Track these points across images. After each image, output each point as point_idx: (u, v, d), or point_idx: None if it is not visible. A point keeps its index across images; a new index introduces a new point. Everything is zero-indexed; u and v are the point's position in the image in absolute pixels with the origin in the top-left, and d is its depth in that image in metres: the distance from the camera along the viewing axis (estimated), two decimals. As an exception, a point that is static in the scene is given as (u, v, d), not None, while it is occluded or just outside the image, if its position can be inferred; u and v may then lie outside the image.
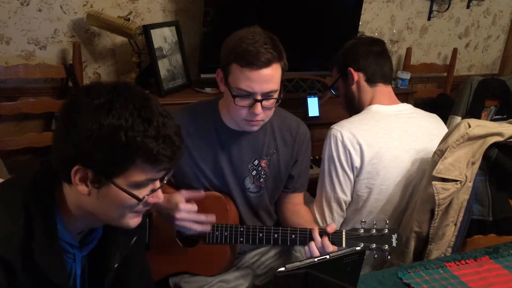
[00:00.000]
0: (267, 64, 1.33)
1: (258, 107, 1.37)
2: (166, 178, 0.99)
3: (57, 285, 0.95)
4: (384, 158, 1.56)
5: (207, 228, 1.43)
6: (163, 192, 1.07)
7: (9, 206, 0.94)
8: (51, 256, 0.94)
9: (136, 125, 0.88)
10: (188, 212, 1.40)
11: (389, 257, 1.38)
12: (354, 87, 1.71)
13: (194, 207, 1.40)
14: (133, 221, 1.00)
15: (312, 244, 1.37)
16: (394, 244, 1.37)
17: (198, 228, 1.42)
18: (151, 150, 0.89)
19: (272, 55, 1.33)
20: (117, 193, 0.92)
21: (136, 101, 0.90)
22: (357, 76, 1.69)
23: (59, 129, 0.92)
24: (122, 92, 0.91)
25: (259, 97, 1.36)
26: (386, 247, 1.36)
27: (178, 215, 1.39)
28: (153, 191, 0.97)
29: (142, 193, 0.95)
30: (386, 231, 1.37)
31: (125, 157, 0.89)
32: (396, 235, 1.38)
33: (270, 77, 1.34)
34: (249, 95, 1.36)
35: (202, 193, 1.44)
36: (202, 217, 1.42)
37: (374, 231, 1.37)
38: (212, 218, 1.43)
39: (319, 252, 1.37)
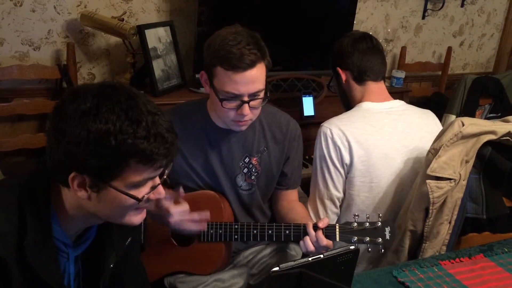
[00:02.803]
0: (251, 65, 1.32)
1: (246, 108, 1.37)
2: (166, 173, 0.98)
3: (50, 284, 0.95)
4: (374, 156, 1.57)
5: (203, 226, 1.43)
6: None
7: (3, 205, 0.93)
8: (45, 254, 0.94)
9: (125, 128, 0.87)
10: (181, 214, 1.39)
11: (383, 250, 1.38)
12: (345, 85, 1.72)
13: (185, 207, 1.39)
14: (137, 218, 1.00)
15: (307, 238, 1.37)
16: (387, 237, 1.37)
17: (193, 227, 1.42)
18: (143, 150, 0.88)
19: (256, 55, 1.33)
20: (117, 195, 0.92)
21: (123, 102, 0.89)
22: (345, 75, 1.69)
23: (50, 138, 0.92)
24: (108, 94, 0.89)
25: (246, 98, 1.36)
26: (380, 240, 1.36)
27: (172, 219, 1.39)
28: (154, 188, 0.97)
29: (141, 192, 0.95)
30: (379, 224, 1.37)
31: (118, 161, 0.88)
32: (389, 227, 1.38)
33: (255, 77, 1.35)
34: (236, 97, 1.36)
35: (181, 191, 1.40)
36: (195, 215, 1.41)
37: (367, 224, 1.38)
38: (206, 215, 1.42)
39: (314, 246, 1.37)
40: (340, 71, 1.70)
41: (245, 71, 1.32)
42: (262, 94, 1.40)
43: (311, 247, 1.37)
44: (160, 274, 1.56)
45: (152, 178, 0.96)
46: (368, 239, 1.36)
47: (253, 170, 1.55)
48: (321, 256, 0.96)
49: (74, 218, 0.99)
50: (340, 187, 1.60)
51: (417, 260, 1.44)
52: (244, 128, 1.46)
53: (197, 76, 2.32)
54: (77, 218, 0.99)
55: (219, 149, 1.52)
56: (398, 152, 1.59)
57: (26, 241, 0.91)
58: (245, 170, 1.54)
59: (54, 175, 0.95)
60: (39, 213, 0.94)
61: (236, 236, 1.47)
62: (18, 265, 0.91)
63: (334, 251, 0.98)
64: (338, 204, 1.63)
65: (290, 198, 1.65)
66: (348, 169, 1.58)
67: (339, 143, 1.55)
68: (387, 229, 1.37)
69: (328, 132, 1.57)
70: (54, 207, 0.98)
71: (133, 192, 0.93)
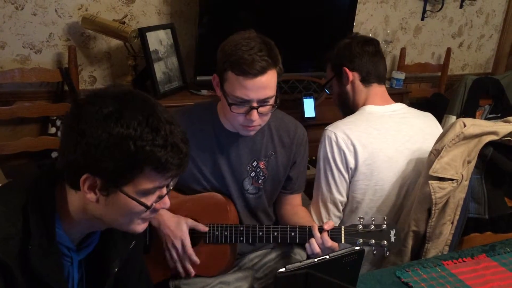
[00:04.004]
0: (262, 72, 1.33)
1: (254, 114, 1.38)
2: (172, 184, 0.99)
3: None
4: (378, 159, 1.57)
5: (182, 272, 1.50)
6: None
7: (9, 209, 0.94)
8: (49, 258, 0.94)
9: (145, 134, 0.88)
10: (183, 249, 1.46)
11: (388, 253, 1.39)
12: (348, 87, 1.70)
13: (193, 253, 1.47)
14: (141, 226, 1.01)
15: (313, 240, 1.38)
16: (392, 240, 1.38)
17: (178, 267, 1.49)
18: (159, 158, 0.90)
19: (267, 62, 1.33)
20: (126, 200, 0.93)
21: (144, 109, 0.90)
22: (352, 75, 1.68)
23: (67, 139, 0.92)
24: (129, 100, 0.91)
25: (255, 104, 1.37)
26: (385, 242, 1.37)
27: (177, 244, 1.46)
28: (160, 197, 0.98)
29: (150, 200, 0.95)
30: (385, 226, 1.38)
31: (134, 166, 0.90)
32: (394, 230, 1.38)
33: (265, 84, 1.35)
34: (245, 102, 1.37)
35: (206, 229, 1.49)
36: (188, 264, 1.48)
37: (372, 227, 1.38)
38: (192, 272, 1.49)
39: (320, 248, 1.38)
40: (347, 71, 1.68)
41: (255, 77, 1.33)
42: (272, 101, 1.40)
43: (316, 249, 1.37)
44: (165, 276, 1.56)
45: (162, 187, 0.97)
46: (373, 241, 1.37)
47: (260, 174, 1.55)
48: (327, 257, 0.97)
49: (78, 222, 0.99)
50: (343, 191, 1.60)
51: (420, 260, 1.45)
52: (252, 133, 1.47)
53: (198, 78, 2.36)
54: (80, 222, 1.00)
55: (228, 153, 1.52)
56: (402, 155, 1.60)
57: (30, 245, 0.91)
58: (253, 174, 1.55)
59: (65, 176, 0.95)
60: (44, 217, 0.95)
61: (241, 238, 1.47)
62: (22, 270, 0.91)
63: (339, 252, 0.99)
64: (341, 208, 1.63)
65: (294, 202, 1.66)
66: (353, 173, 1.58)
67: (344, 147, 1.55)
68: (392, 232, 1.38)
69: (333, 136, 1.57)
70: (58, 212, 0.98)
71: (142, 199, 0.94)
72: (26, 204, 0.94)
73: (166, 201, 1.00)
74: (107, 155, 0.88)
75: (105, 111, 0.88)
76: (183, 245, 1.46)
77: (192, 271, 1.49)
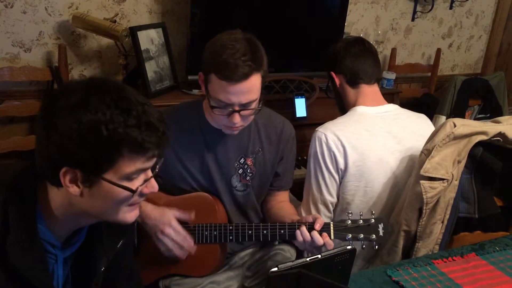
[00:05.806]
0: (244, 77, 1.32)
1: (236, 117, 1.37)
2: (157, 166, 0.97)
3: (38, 286, 0.93)
4: (368, 160, 1.58)
5: (183, 255, 1.46)
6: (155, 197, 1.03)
7: None
8: (30, 255, 0.92)
9: (116, 117, 0.86)
10: (176, 233, 1.43)
11: (376, 246, 1.40)
12: (339, 89, 1.74)
13: (187, 234, 1.45)
14: (131, 215, 0.98)
15: (299, 235, 1.37)
16: (381, 233, 1.38)
17: (176, 251, 1.45)
18: (135, 138, 0.88)
19: (251, 67, 1.32)
20: (110, 188, 0.91)
21: (112, 93, 0.88)
22: (338, 79, 1.72)
23: (40, 135, 0.90)
24: (97, 86, 0.90)
25: (236, 108, 1.36)
26: (374, 236, 1.38)
27: (168, 230, 1.42)
28: (146, 180, 0.96)
29: (134, 184, 0.93)
30: (373, 221, 1.39)
31: (111, 151, 0.88)
32: (382, 224, 1.39)
33: (248, 88, 1.34)
34: (227, 105, 1.36)
35: (192, 216, 1.47)
36: (186, 245, 1.45)
37: (361, 221, 1.39)
38: (192, 248, 1.46)
39: (309, 245, 1.37)
40: (334, 75, 1.72)
41: (238, 83, 1.32)
42: (254, 104, 1.40)
43: (305, 246, 1.38)
44: (155, 277, 1.56)
45: (145, 170, 0.94)
46: (362, 236, 1.38)
47: (248, 171, 1.56)
48: (319, 256, 0.97)
49: (62, 218, 0.97)
50: (333, 192, 1.61)
51: (411, 259, 1.46)
52: (235, 133, 1.47)
53: (189, 77, 2.35)
54: (64, 218, 0.97)
55: (215, 150, 1.52)
56: (392, 156, 1.61)
57: (8, 241, 0.89)
58: (240, 171, 1.55)
59: (44, 173, 0.93)
60: (24, 213, 0.92)
61: (231, 237, 1.47)
62: (2, 267, 0.89)
63: (331, 251, 0.99)
64: (331, 208, 1.64)
65: (280, 199, 1.67)
66: (343, 174, 1.59)
67: (333, 148, 1.56)
68: (380, 226, 1.39)
69: (323, 137, 1.58)
70: (40, 208, 0.96)
71: (126, 184, 0.92)
72: (5, 200, 0.92)
73: (154, 184, 0.98)
74: (82, 144, 0.86)
75: (73, 100, 0.87)
76: (174, 229, 1.44)
77: (192, 250, 1.47)
